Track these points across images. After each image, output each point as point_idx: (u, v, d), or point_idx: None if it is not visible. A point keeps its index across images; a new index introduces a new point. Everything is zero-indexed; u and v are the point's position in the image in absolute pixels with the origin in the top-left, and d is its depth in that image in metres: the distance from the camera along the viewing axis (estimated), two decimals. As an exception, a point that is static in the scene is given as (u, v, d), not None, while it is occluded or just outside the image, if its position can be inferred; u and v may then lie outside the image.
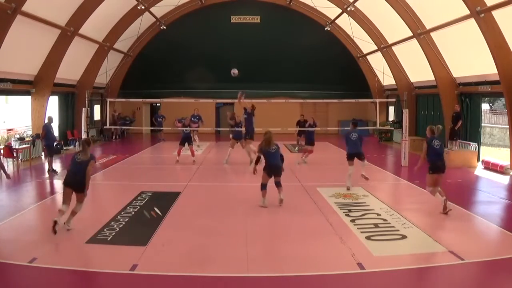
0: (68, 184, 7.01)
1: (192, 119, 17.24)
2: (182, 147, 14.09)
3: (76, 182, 6.95)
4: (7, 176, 8.34)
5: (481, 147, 15.28)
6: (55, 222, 6.56)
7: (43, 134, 12.50)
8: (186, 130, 14.13)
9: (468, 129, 15.55)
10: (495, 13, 11.94)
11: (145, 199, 9.07)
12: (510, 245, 6.62)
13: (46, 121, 12.86)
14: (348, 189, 10.00)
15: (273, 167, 8.50)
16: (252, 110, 13.94)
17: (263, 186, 8.57)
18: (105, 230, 6.94)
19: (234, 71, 14.14)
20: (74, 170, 6.99)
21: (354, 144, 10.28)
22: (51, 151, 12.48)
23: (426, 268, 5.61)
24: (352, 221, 7.58)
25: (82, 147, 7.21)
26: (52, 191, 10.33)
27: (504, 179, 11.86)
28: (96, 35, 19.23)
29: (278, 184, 8.58)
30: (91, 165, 6.97)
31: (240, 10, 25.02)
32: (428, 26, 15.93)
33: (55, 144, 13.84)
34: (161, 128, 19.87)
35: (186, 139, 14.02)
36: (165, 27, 23.76)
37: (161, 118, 20.39)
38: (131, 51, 24.42)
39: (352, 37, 22.68)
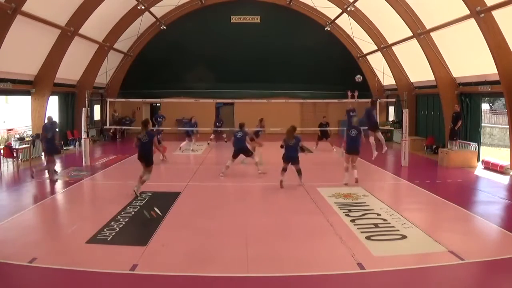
0: (140, 159, 9.41)
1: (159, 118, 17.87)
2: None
3: (145, 158, 9.32)
4: None
5: (481, 147, 15.28)
6: (135, 191, 9.06)
7: (43, 134, 12.49)
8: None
9: (468, 129, 15.54)
10: (495, 13, 11.94)
11: (145, 199, 9.07)
12: (510, 245, 6.62)
13: (46, 121, 12.87)
14: (346, 184, 10.36)
15: (288, 157, 10.43)
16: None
17: (283, 169, 10.49)
18: (105, 230, 6.94)
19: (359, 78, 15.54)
20: (141, 149, 9.29)
21: (353, 140, 10.69)
22: (52, 152, 12.46)
23: (426, 268, 5.60)
24: (352, 221, 7.58)
25: (142, 128, 9.25)
26: (52, 191, 10.32)
27: (504, 179, 11.86)
28: (96, 35, 19.23)
29: (298, 172, 10.50)
30: (155, 141, 9.35)
31: (240, 10, 25.02)
32: (428, 26, 15.93)
33: (55, 144, 13.82)
34: (161, 129, 19.75)
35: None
36: (165, 27, 23.76)
37: (161, 118, 20.35)
38: (131, 51, 24.42)
39: (352, 37, 22.67)
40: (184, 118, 16.43)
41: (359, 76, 15.41)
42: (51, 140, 11.73)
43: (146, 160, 9.31)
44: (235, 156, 11.88)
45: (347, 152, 10.90)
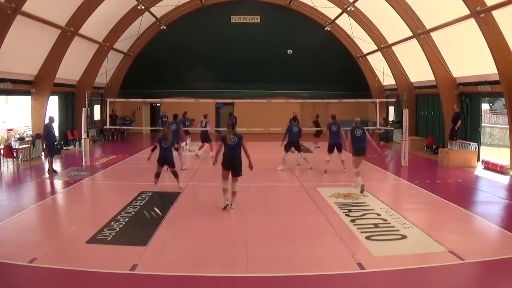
0: (228, 166, 8.15)
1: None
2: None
3: (237, 165, 8.14)
4: None
5: (481, 147, 15.28)
6: (226, 205, 8.11)
7: (44, 134, 12.52)
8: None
9: (468, 129, 15.54)
10: (495, 13, 11.94)
11: (145, 199, 9.07)
12: (510, 245, 6.62)
13: (47, 121, 12.87)
14: (362, 191, 9.55)
15: (292, 142, 12.42)
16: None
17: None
18: (105, 230, 6.94)
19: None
20: (230, 152, 8.12)
21: (360, 140, 10.23)
22: (52, 151, 12.49)
23: (426, 268, 5.60)
24: (352, 221, 7.58)
25: (229, 130, 8.25)
26: (52, 191, 10.32)
27: (504, 179, 11.86)
28: (96, 35, 19.23)
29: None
30: (244, 144, 8.27)
31: (240, 10, 25.04)
32: (428, 26, 15.93)
33: (55, 144, 13.85)
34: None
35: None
36: (165, 27, 23.76)
37: (165, 118, 20.18)
38: (131, 51, 24.43)
39: (352, 37, 22.68)
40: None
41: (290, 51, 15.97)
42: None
43: (236, 166, 8.13)
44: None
45: (356, 155, 10.13)
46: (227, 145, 8.14)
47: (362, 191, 9.55)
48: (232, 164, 8.08)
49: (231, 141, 8.11)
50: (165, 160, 9.80)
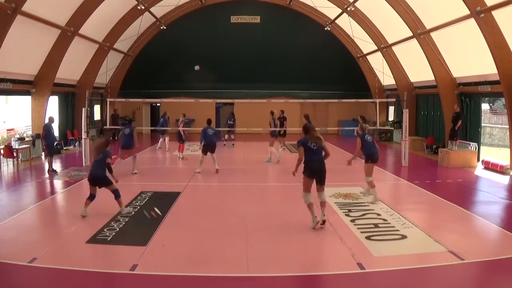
0: (316, 174, 7.13)
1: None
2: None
3: (322, 171, 7.17)
4: None
5: (481, 147, 15.28)
6: (318, 221, 7.01)
7: (44, 134, 12.52)
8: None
9: (468, 129, 15.54)
10: (495, 13, 11.93)
11: (145, 199, 9.07)
12: (510, 245, 6.62)
13: (47, 121, 12.87)
14: (374, 202, 8.83)
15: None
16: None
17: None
18: (105, 230, 6.94)
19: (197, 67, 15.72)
20: (315, 157, 7.10)
21: (373, 146, 9.23)
22: (51, 151, 12.49)
23: (426, 268, 5.60)
24: (352, 221, 7.58)
25: (311, 133, 7.24)
26: (52, 191, 10.32)
27: (504, 179, 11.86)
28: (96, 35, 19.23)
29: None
30: (325, 146, 7.28)
31: (240, 10, 25.03)
32: (428, 26, 15.93)
33: (55, 144, 13.86)
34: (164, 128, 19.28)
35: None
36: (165, 27, 23.76)
37: (167, 117, 19.85)
38: (131, 51, 24.43)
39: (352, 37, 22.68)
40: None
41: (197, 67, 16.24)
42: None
43: (323, 174, 7.18)
44: None
45: (372, 162, 9.21)
46: (309, 150, 7.11)
47: (375, 201, 8.87)
48: (318, 172, 7.14)
49: (313, 146, 7.11)
50: (94, 177, 7.71)
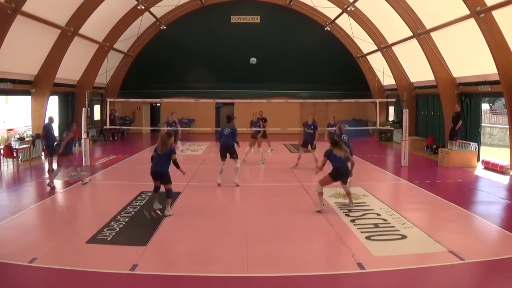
0: (342, 175, 8.27)
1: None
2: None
3: (346, 175, 8.33)
4: None
5: (481, 147, 15.27)
6: (322, 208, 8.11)
7: (44, 134, 12.53)
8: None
9: (468, 129, 15.54)
10: (495, 13, 11.93)
11: (145, 199, 9.07)
12: (510, 245, 6.63)
13: (47, 121, 12.87)
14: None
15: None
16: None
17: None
18: (105, 230, 6.94)
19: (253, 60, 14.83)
20: (340, 164, 8.19)
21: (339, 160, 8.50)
22: (51, 151, 12.49)
23: (426, 268, 5.60)
24: (352, 221, 7.58)
25: (335, 144, 8.27)
26: (52, 191, 10.31)
27: (504, 179, 11.86)
28: (96, 35, 19.23)
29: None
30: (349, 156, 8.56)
31: (240, 10, 25.03)
32: (428, 26, 15.93)
33: (55, 144, 13.83)
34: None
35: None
36: (165, 27, 23.76)
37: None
38: (131, 51, 24.42)
39: (352, 37, 22.67)
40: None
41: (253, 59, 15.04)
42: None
43: (346, 175, 8.48)
44: None
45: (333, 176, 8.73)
46: (336, 157, 8.16)
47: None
48: (343, 176, 8.30)
49: (340, 155, 8.13)
50: (157, 174, 7.97)
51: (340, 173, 8.19)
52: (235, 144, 10.68)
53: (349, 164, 8.32)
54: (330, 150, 8.22)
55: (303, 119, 24.27)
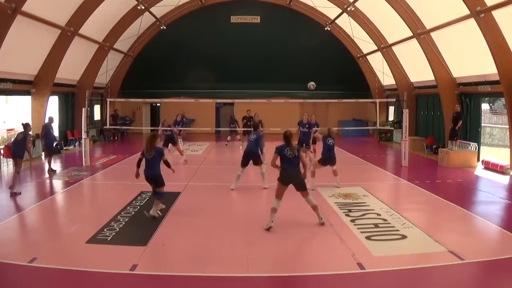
0: (287, 182, 7.15)
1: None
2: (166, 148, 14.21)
3: (297, 179, 7.16)
4: None
5: (481, 147, 15.27)
6: (271, 226, 7.00)
7: (43, 134, 12.52)
8: (166, 132, 14.14)
9: (468, 129, 15.54)
10: (495, 13, 11.94)
11: (145, 199, 9.07)
12: (510, 245, 6.62)
13: (47, 121, 12.86)
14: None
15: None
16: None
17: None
18: (105, 230, 6.94)
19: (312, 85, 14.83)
20: (289, 166, 7.15)
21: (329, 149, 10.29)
22: (50, 151, 12.50)
23: (426, 268, 5.60)
24: (352, 221, 7.58)
25: (286, 141, 7.31)
26: (52, 191, 10.31)
27: (504, 179, 11.86)
28: (96, 35, 19.23)
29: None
30: (301, 154, 7.38)
31: (240, 10, 25.03)
32: (428, 26, 15.93)
33: (54, 144, 13.85)
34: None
35: (169, 140, 14.11)
36: (165, 27, 23.77)
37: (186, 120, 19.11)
38: (131, 51, 24.43)
39: (352, 37, 22.68)
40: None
41: (312, 83, 15.08)
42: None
43: (299, 181, 7.24)
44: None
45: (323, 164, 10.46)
46: (285, 158, 7.20)
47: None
48: (293, 180, 7.16)
49: (290, 155, 7.18)
50: (150, 178, 7.81)
51: (289, 175, 7.13)
52: (260, 152, 10.63)
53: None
54: (284, 146, 7.28)
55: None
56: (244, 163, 10.15)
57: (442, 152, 14.50)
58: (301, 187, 7.20)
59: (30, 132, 10.21)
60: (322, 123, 22.13)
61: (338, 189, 10.12)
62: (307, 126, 13.13)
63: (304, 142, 12.95)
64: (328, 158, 10.34)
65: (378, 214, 7.99)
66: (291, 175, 7.13)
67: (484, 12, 12.02)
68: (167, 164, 7.87)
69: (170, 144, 14.17)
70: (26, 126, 10.13)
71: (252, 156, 10.16)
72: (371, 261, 5.74)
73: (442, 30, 15.04)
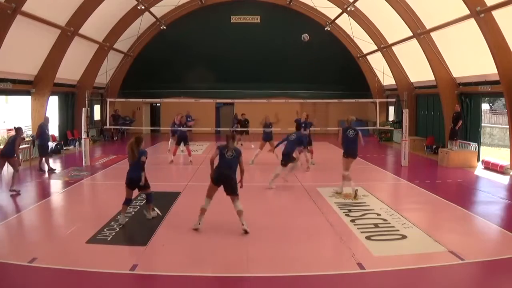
0: (219, 182, 7.00)
1: (188, 119, 17.04)
2: (178, 146, 14.25)
3: (229, 181, 6.95)
4: None
5: (481, 147, 15.27)
6: (198, 228, 6.86)
7: (38, 133, 12.54)
8: (181, 129, 14.07)
9: (468, 129, 15.54)
10: (495, 13, 11.94)
11: (145, 199, 9.04)
12: (510, 245, 6.62)
13: (43, 121, 12.87)
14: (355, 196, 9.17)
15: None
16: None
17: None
18: (105, 230, 6.94)
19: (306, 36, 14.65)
20: (225, 166, 6.94)
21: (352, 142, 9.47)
22: (44, 151, 12.50)
23: (426, 268, 5.60)
24: (352, 221, 7.58)
25: (228, 141, 7.06)
26: (52, 192, 10.31)
27: (504, 179, 11.86)
28: (96, 35, 19.23)
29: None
30: (241, 160, 7.06)
31: (240, 10, 25.04)
32: (428, 26, 15.93)
33: (52, 145, 13.80)
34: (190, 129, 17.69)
35: (182, 139, 14.04)
36: (165, 27, 23.77)
37: (190, 118, 18.05)
38: (131, 51, 24.43)
39: (352, 37, 22.68)
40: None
41: (306, 35, 14.94)
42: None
43: (230, 182, 7.01)
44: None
45: (346, 156, 9.66)
46: (223, 157, 7.00)
47: (355, 196, 9.10)
48: (225, 180, 6.96)
49: (228, 155, 6.98)
50: (133, 181, 7.36)
51: (221, 175, 6.92)
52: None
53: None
54: (224, 146, 7.05)
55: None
56: (282, 161, 10.34)
57: (442, 152, 14.50)
58: (231, 190, 6.94)
59: (23, 136, 10.19)
60: (322, 123, 22.27)
61: (336, 189, 10.09)
62: (303, 125, 13.14)
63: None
64: (348, 150, 9.48)
65: (378, 214, 7.99)
66: (223, 175, 6.91)
67: (484, 12, 12.02)
68: (142, 167, 7.37)
69: (182, 143, 14.16)
70: (18, 130, 10.30)
71: (290, 156, 10.37)
72: (371, 261, 5.74)
73: (442, 30, 15.04)
